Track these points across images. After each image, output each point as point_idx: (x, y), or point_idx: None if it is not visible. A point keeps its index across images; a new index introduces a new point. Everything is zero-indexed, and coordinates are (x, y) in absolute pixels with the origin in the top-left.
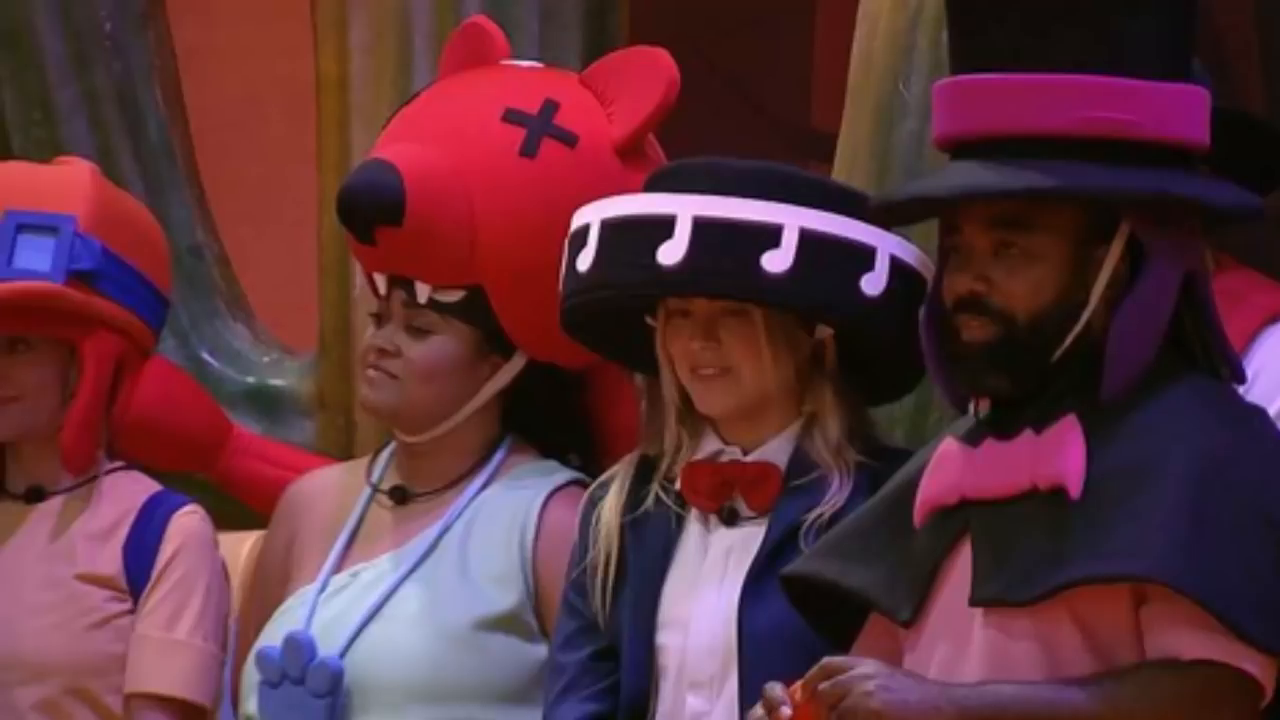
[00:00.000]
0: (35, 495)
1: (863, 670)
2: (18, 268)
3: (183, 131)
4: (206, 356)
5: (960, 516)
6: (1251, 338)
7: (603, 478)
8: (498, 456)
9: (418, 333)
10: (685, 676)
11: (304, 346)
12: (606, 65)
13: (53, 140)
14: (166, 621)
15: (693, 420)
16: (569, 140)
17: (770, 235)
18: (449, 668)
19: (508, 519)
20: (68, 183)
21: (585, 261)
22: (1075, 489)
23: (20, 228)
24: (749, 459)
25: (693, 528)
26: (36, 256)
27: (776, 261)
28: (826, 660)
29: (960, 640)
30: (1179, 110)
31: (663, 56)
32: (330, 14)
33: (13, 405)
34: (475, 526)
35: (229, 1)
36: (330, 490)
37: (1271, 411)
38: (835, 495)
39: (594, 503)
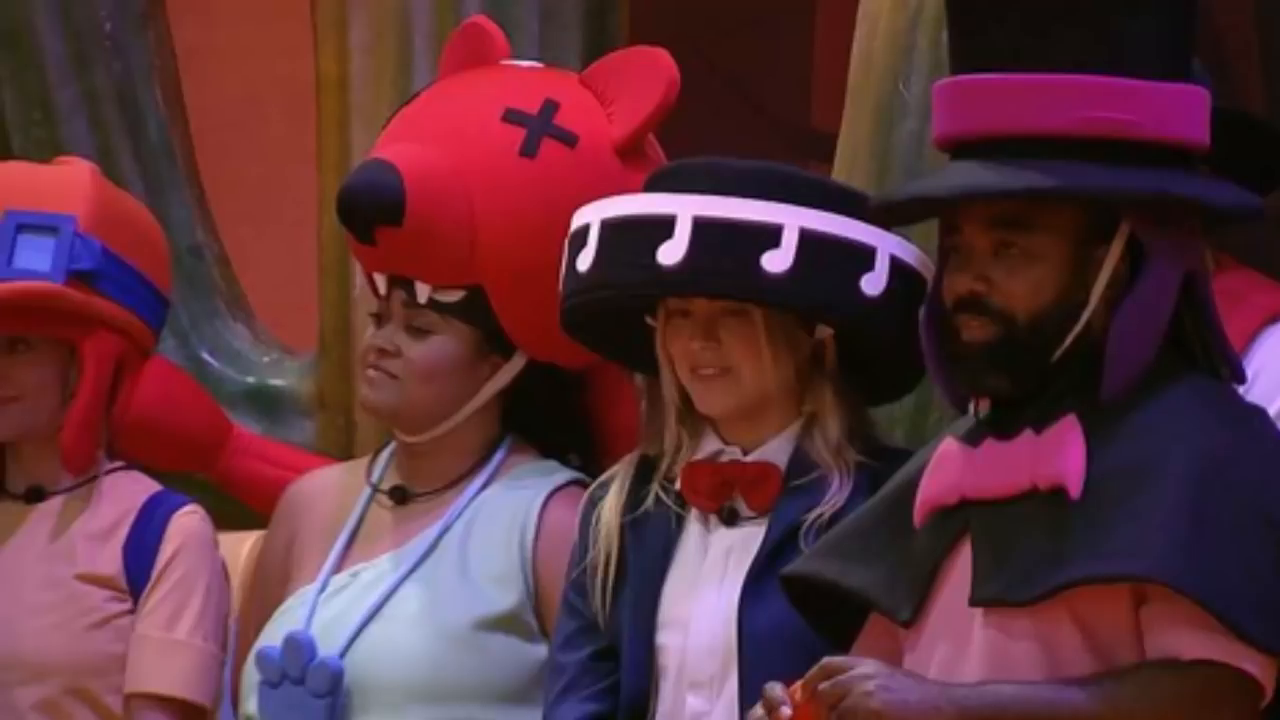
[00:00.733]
0: (35, 495)
1: (863, 670)
2: (18, 268)
3: (183, 131)
4: (206, 356)
5: (960, 516)
6: (1251, 338)
7: (603, 478)
8: (498, 456)
9: (418, 333)
10: (685, 676)
11: (304, 346)
12: (606, 65)
13: (53, 140)
14: (166, 621)
15: (693, 420)
16: (569, 140)
17: (770, 235)
18: (449, 668)
19: (508, 519)
20: (68, 183)
21: (585, 261)
22: (1075, 489)
23: (20, 228)
24: (749, 459)
25: (693, 528)
26: (36, 256)
27: (776, 261)
28: (826, 660)
29: (960, 640)
30: (1179, 110)
31: (663, 56)
32: (330, 14)
33: (13, 405)
34: (475, 526)
35: (229, 1)
36: (330, 490)
37: (1271, 411)
38: (835, 495)
39: (594, 503)
